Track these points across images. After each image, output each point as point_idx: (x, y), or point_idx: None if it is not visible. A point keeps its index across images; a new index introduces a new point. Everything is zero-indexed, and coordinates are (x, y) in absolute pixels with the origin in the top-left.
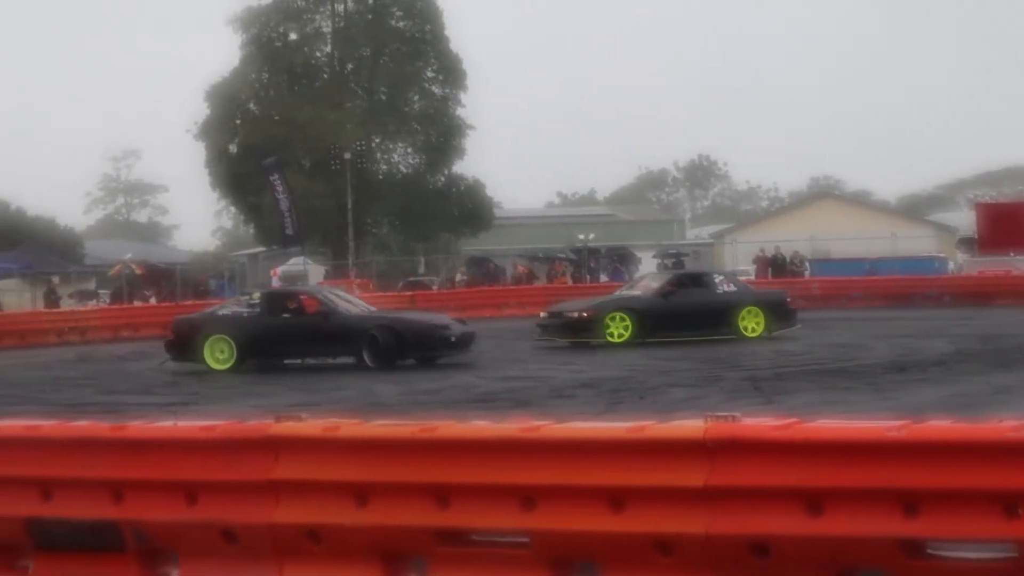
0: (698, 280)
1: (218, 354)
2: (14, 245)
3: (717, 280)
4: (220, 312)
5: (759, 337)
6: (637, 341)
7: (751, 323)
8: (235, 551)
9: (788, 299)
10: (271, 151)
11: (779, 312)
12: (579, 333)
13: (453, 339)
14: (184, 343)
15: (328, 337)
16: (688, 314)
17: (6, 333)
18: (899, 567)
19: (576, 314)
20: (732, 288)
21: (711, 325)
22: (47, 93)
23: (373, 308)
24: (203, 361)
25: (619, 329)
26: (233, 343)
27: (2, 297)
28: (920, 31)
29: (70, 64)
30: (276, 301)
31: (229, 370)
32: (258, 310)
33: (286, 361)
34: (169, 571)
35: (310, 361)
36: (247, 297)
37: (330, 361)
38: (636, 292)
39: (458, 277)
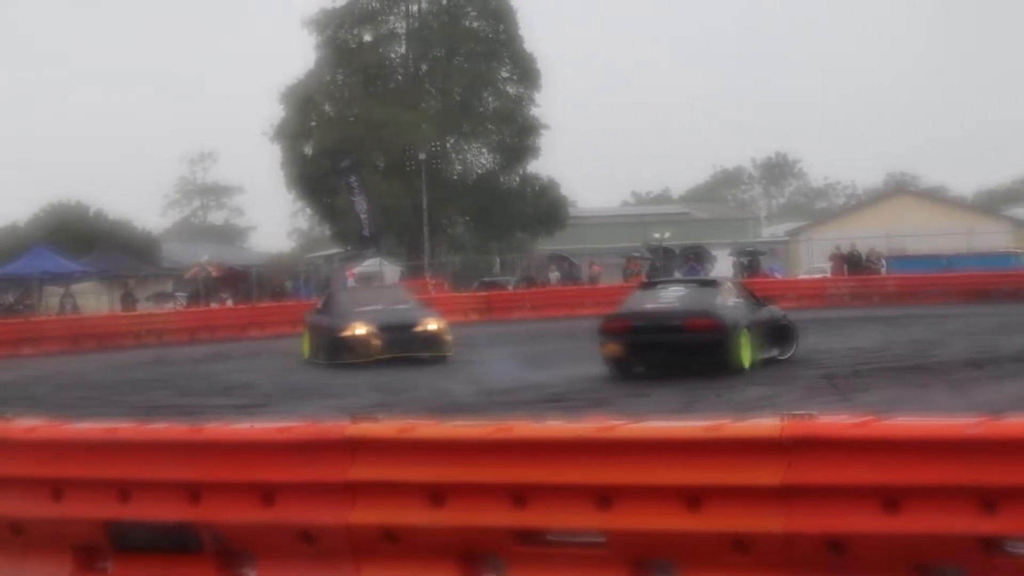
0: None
1: None
2: (92, 248)
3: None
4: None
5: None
6: None
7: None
8: (312, 552)
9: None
10: (347, 152)
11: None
12: None
13: None
14: None
15: None
16: None
17: (85, 336)
18: (977, 564)
19: None
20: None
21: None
22: (124, 96)
23: None
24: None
25: None
26: None
27: (80, 300)
28: (994, 25)
29: (146, 67)
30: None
31: None
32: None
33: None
34: (246, 572)
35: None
36: None
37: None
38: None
39: (552, 277)
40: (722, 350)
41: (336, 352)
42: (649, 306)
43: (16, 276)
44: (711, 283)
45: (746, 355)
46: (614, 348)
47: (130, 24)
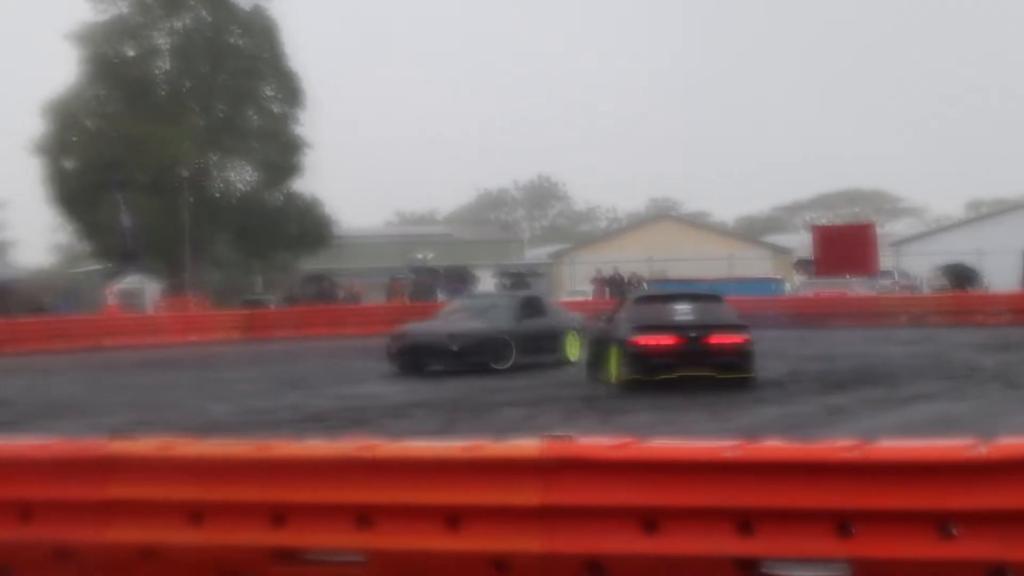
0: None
1: None
2: None
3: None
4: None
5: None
6: None
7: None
8: (69, 570)
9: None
10: (109, 168)
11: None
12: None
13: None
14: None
15: None
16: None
17: None
18: None
19: None
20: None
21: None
22: None
23: None
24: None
25: None
26: None
27: None
28: (757, 54)
29: None
30: None
31: None
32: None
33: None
34: None
35: None
36: None
37: None
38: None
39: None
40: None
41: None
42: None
43: None
44: None
45: None
46: None
47: None
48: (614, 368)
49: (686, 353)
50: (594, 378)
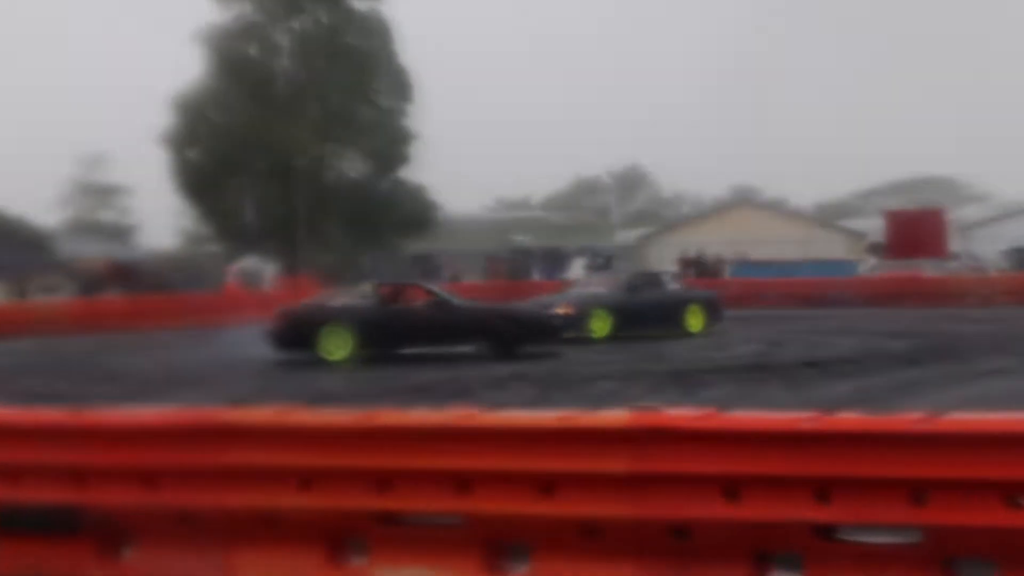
0: (654, 280)
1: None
2: None
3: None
4: (335, 303)
5: (701, 332)
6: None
7: (693, 320)
8: (188, 533)
9: (719, 298)
10: (232, 158)
11: (714, 309)
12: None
13: (563, 327)
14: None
15: (447, 328)
16: (649, 310)
17: None
18: (812, 551)
19: (561, 310)
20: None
21: (665, 321)
22: (13, 97)
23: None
24: (319, 351)
25: (599, 324)
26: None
27: None
28: (832, 41)
29: (38, 68)
30: (392, 292)
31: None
32: (374, 301)
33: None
34: (125, 552)
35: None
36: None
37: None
38: (602, 290)
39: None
40: None
41: None
42: None
43: None
44: None
45: None
46: None
47: (25, 25)
48: None
49: None
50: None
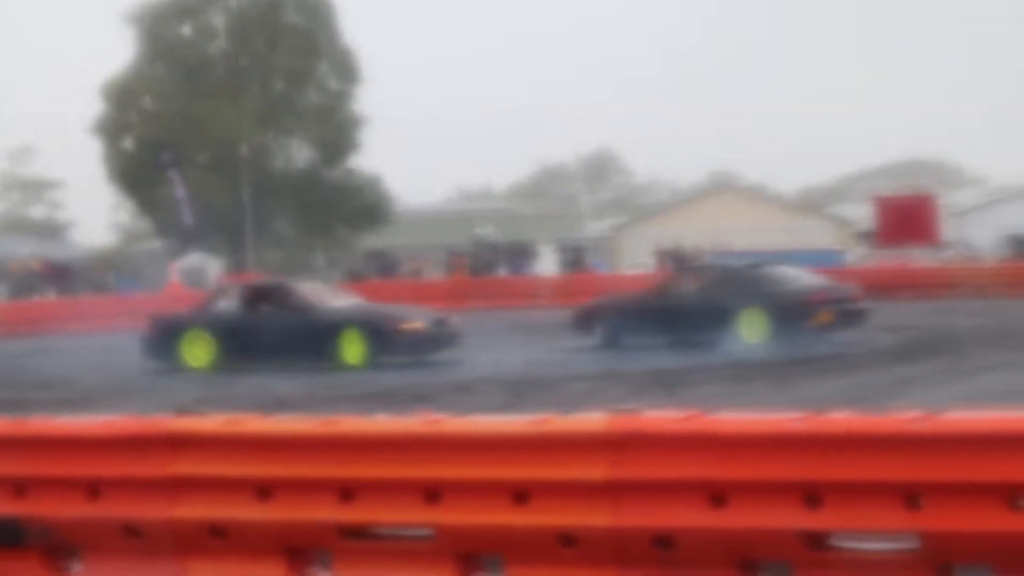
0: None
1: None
2: None
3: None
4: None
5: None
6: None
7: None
8: (137, 546)
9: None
10: (167, 147)
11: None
12: None
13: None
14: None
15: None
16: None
17: None
18: (802, 559)
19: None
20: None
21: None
22: None
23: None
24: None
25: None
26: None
27: None
28: (814, 27)
29: None
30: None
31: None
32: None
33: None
34: (72, 566)
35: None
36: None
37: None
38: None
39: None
40: None
41: None
42: None
43: None
44: None
45: None
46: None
47: None
48: None
49: None
50: None
